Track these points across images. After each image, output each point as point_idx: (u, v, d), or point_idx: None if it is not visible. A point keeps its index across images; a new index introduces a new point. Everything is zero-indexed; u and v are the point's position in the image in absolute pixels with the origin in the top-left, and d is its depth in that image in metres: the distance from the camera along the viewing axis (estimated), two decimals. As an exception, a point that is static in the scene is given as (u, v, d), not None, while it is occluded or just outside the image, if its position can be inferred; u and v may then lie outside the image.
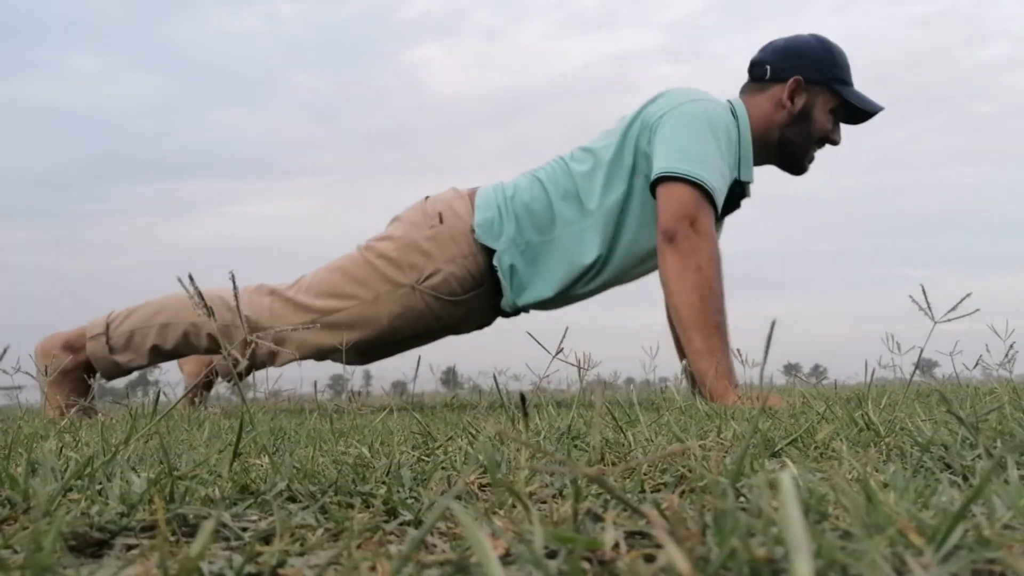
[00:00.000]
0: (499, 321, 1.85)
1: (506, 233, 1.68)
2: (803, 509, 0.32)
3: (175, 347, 1.73)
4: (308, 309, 1.70)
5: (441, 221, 1.70)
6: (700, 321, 1.44)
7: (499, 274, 1.68)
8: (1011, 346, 1.05)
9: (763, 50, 1.71)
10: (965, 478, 0.43)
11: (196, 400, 2.01)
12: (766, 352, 0.42)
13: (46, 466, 0.43)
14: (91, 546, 0.34)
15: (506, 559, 0.29)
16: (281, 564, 0.30)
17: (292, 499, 0.42)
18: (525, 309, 1.75)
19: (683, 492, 0.43)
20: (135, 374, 1.84)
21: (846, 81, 1.66)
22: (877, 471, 0.45)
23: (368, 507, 0.41)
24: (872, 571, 0.23)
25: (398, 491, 0.44)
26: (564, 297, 1.71)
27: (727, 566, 0.24)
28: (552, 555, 0.29)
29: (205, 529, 0.24)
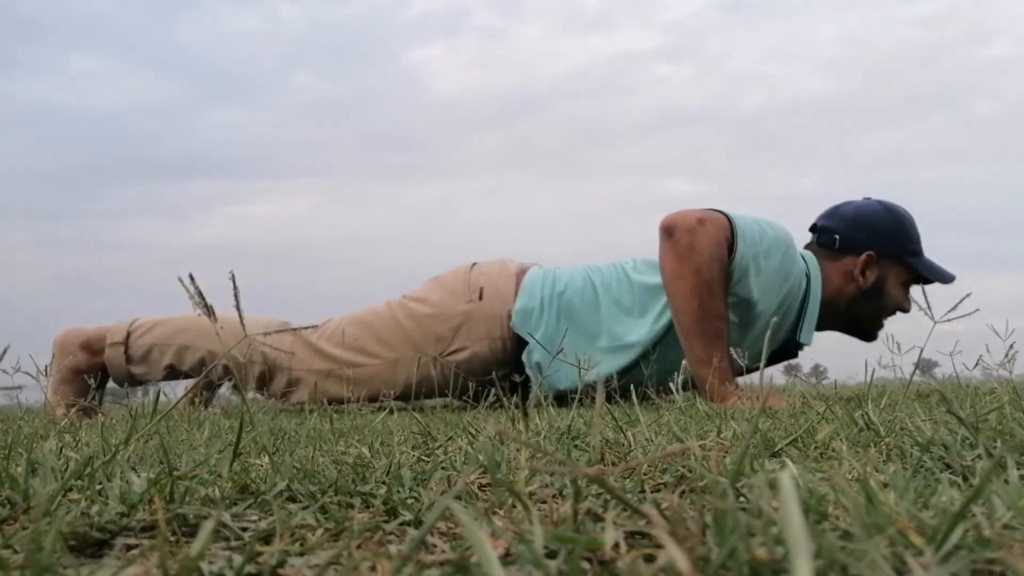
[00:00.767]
0: None
1: (543, 329, 1.61)
2: (803, 509, 0.32)
3: (190, 369, 1.73)
4: (329, 358, 1.69)
5: (481, 297, 1.65)
6: (700, 328, 1.40)
7: (527, 369, 1.63)
8: (1011, 346, 1.05)
9: (830, 216, 1.64)
10: (965, 478, 0.43)
11: (197, 400, 2.01)
12: (766, 352, 0.42)
13: (46, 466, 0.43)
14: (91, 546, 0.34)
15: (506, 559, 0.29)
16: (281, 564, 0.30)
17: (292, 499, 0.42)
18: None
19: (683, 492, 0.43)
20: (143, 384, 1.85)
21: (918, 252, 1.61)
22: (877, 471, 0.45)
23: (368, 507, 0.41)
24: (872, 571, 0.23)
25: (398, 491, 0.44)
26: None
27: (727, 566, 0.24)
28: (552, 555, 0.29)
29: (205, 529, 0.24)
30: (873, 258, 1.58)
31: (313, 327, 1.65)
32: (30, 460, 0.51)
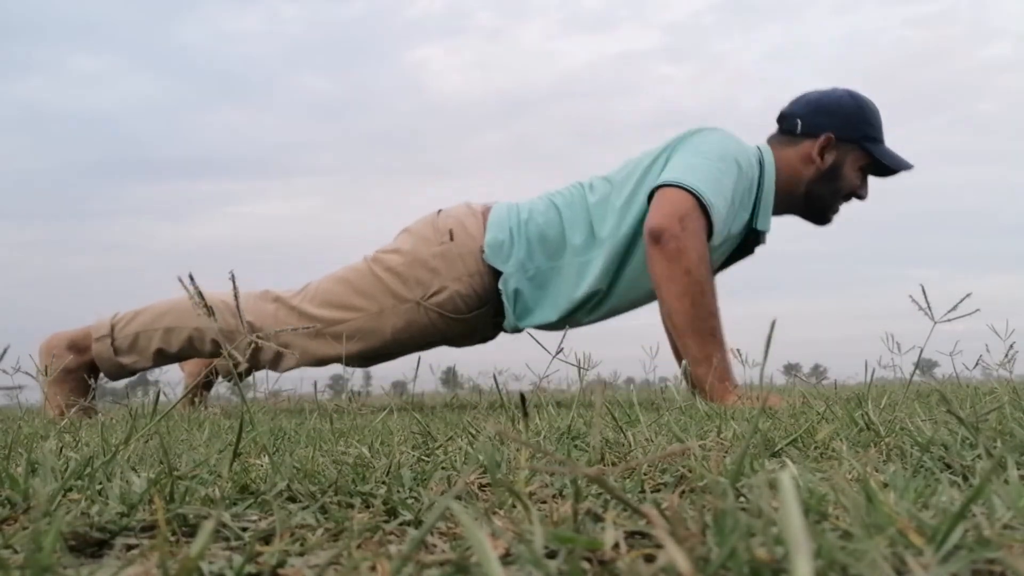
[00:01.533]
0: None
1: (515, 257, 1.67)
2: (803, 509, 0.32)
3: (179, 351, 1.73)
4: (312, 318, 1.70)
5: (451, 238, 1.69)
6: (694, 327, 1.43)
7: (503, 297, 1.68)
8: (1011, 346, 1.05)
9: (795, 103, 1.69)
10: (965, 478, 0.43)
11: (196, 400, 2.01)
12: (766, 352, 0.42)
13: (46, 466, 0.43)
14: (91, 546, 0.34)
15: (506, 559, 0.29)
16: (281, 564, 0.30)
17: (292, 499, 0.42)
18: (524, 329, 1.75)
19: (683, 492, 0.43)
20: (136, 374, 1.85)
21: (878, 139, 1.65)
22: (877, 471, 0.45)
23: (368, 507, 0.41)
24: (872, 571, 0.23)
25: (398, 491, 0.44)
26: (566, 322, 1.70)
27: (727, 566, 0.24)
28: (552, 555, 0.29)
29: (205, 529, 0.24)
30: (832, 140, 1.62)
31: (313, 327, 1.66)
32: (30, 460, 0.51)
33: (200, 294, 0.53)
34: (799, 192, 1.66)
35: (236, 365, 1.68)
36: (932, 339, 1.02)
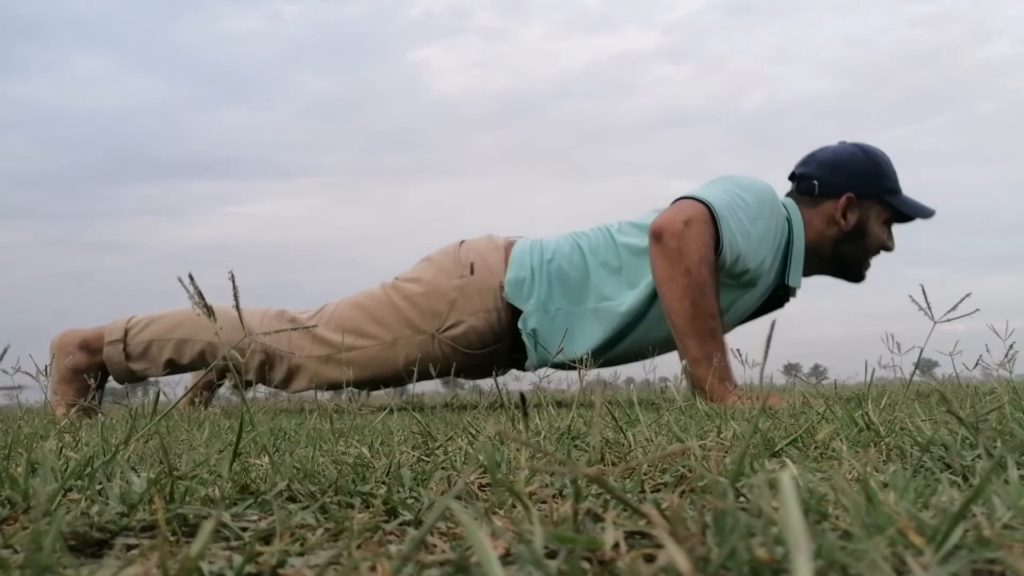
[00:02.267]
0: None
1: (536, 296, 1.64)
2: (803, 509, 0.32)
3: (190, 363, 1.74)
4: (326, 343, 1.69)
5: (472, 272, 1.67)
6: (694, 328, 1.42)
7: (523, 336, 1.66)
8: (1011, 346, 1.05)
9: (807, 163, 1.67)
10: (965, 478, 0.43)
11: (197, 400, 2.01)
12: (766, 352, 0.42)
13: (46, 466, 0.43)
14: (91, 546, 0.34)
15: (506, 559, 0.29)
16: (281, 564, 0.30)
17: (292, 499, 0.42)
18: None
19: (683, 492, 0.43)
20: (145, 380, 1.85)
21: (896, 190, 1.64)
22: (877, 471, 0.45)
23: (368, 507, 0.41)
24: (872, 571, 0.23)
25: (398, 491, 0.44)
26: (582, 362, 1.70)
27: (727, 566, 0.24)
28: (552, 555, 0.29)
29: (205, 529, 0.24)
30: (853, 200, 1.61)
31: (314, 326, 1.65)
32: (30, 460, 0.51)
33: (200, 294, 0.53)
34: (827, 253, 1.64)
35: (237, 371, 1.68)
36: (932, 339, 1.02)
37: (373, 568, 0.28)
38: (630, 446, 0.60)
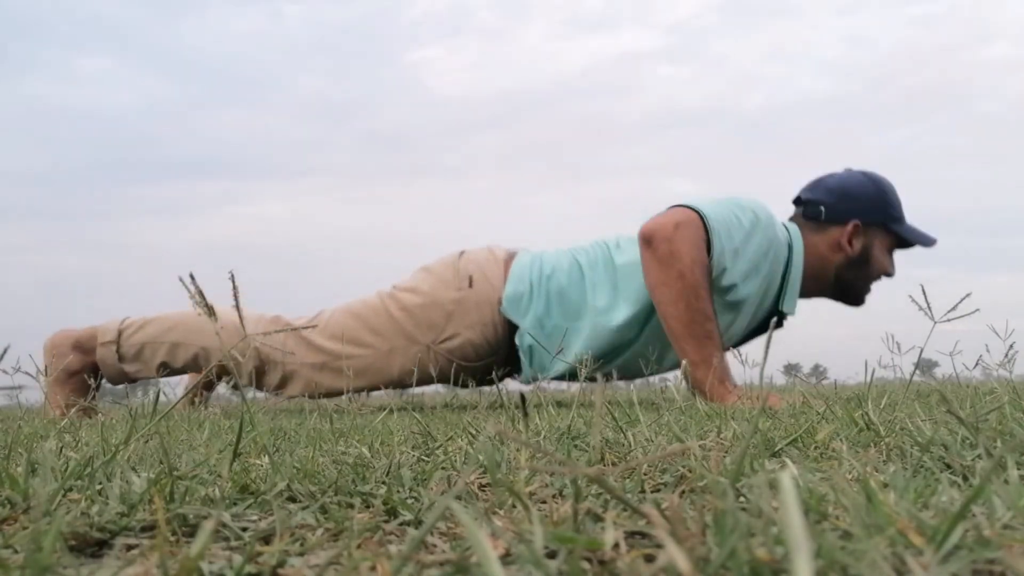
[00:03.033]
0: None
1: (533, 312, 1.65)
2: (803, 509, 0.32)
3: (184, 366, 1.74)
4: (321, 350, 1.70)
5: (471, 285, 1.68)
6: (690, 331, 1.42)
7: (519, 352, 1.67)
8: (1011, 346, 1.05)
9: (814, 188, 1.68)
10: (965, 478, 0.43)
11: (196, 400, 2.01)
12: (766, 352, 0.42)
13: (46, 466, 0.43)
14: (91, 546, 0.34)
15: (506, 559, 0.29)
16: (281, 564, 0.30)
17: (292, 499, 0.42)
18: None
19: (683, 492, 0.43)
20: (138, 381, 1.85)
21: (901, 218, 1.66)
22: (877, 471, 0.45)
23: (368, 507, 0.41)
24: (872, 571, 0.23)
25: (398, 491, 0.44)
26: (577, 374, 1.71)
27: (727, 566, 0.24)
28: (552, 555, 0.29)
29: (205, 529, 0.24)
30: (860, 227, 1.63)
31: (313, 326, 1.66)
32: (30, 460, 0.51)
33: (201, 293, 0.53)
34: (828, 277, 1.65)
35: (236, 370, 1.68)
36: (932, 339, 1.02)
37: (373, 568, 0.28)
38: (630, 446, 0.60)
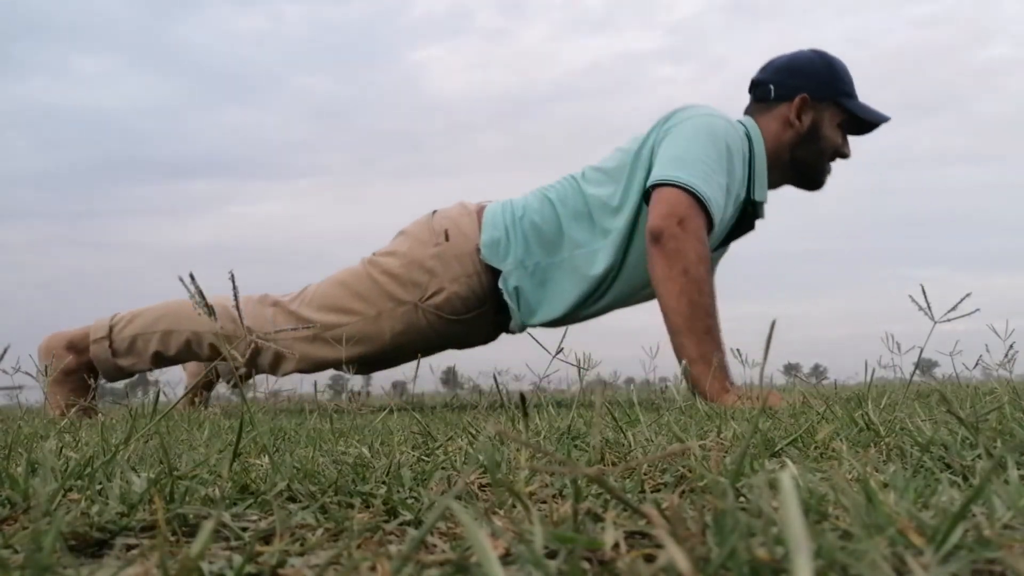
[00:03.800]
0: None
1: (513, 254, 1.66)
2: (803, 509, 0.32)
3: (177, 354, 1.74)
4: (310, 322, 1.70)
5: (447, 239, 1.68)
6: (691, 327, 1.42)
7: (505, 296, 1.67)
8: (1011, 346, 1.05)
9: (764, 69, 1.70)
10: (965, 478, 0.43)
11: (196, 400, 2.01)
12: (766, 352, 0.42)
13: (46, 466, 0.43)
14: (91, 546, 0.34)
15: (506, 559, 0.29)
16: (281, 564, 0.30)
17: (292, 499, 0.42)
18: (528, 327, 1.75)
19: (683, 492, 0.43)
20: (135, 375, 1.85)
21: (851, 94, 1.66)
22: (877, 471, 0.45)
23: (368, 507, 0.41)
24: (872, 571, 0.23)
25: (398, 491, 0.44)
26: (570, 317, 1.71)
27: (727, 566, 0.24)
28: (552, 555, 0.29)
29: (205, 529, 0.24)
30: (807, 100, 1.63)
31: (311, 326, 1.66)
32: (30, 460, 0.51)
33: (201, 293, 0.53)
34: (785, 159, 1.66)
35: (236, 367, 1.68)
36: (932, 339, 1.02)
37: (373, 568, 0.28)
38: (630, 446, 0.60)
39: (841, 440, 0.58)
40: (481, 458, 0.49)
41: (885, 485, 0.38)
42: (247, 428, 0.65)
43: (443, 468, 0.51)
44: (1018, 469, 0.36)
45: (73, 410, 1.19)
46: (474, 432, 0.72)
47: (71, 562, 0.30)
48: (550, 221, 1.67)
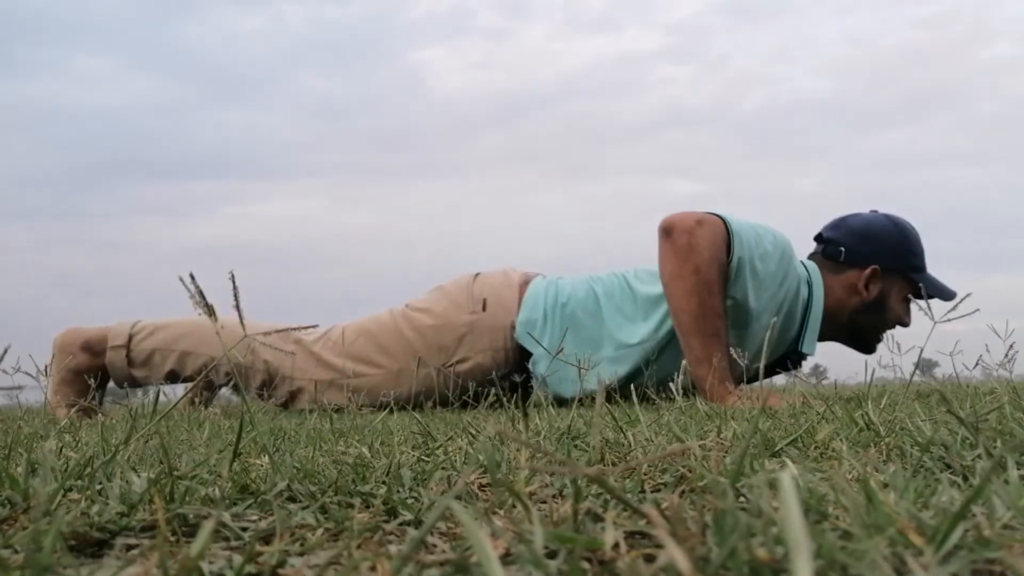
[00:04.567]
0: None
1: (547, 340, 1.62)
2: (803, 509, 0.32)
3: (192, 375, 1.73)
4: (330, 367, 1.68)
5: (484, 308, 1.66)
6: (699, 327, 1.41)
7: (532, 378, 1.64)
8: (1011, 346, 1.05)
9: (836, 228, 1.65)
10: (965, 478, 0.43)
11: (197, 400, 2.01)
12: (766, 352, 0.42)
13: (46, 466, 0.43)
14: (91, 546, 0.34)
15: (506, 559, 0.29)
16: (281, 564, 0.30)
17: (292, 499, 0.42)
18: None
19: (683, 492, 0.43)
20: (144, 386, 1.85)
21: (921, 268, 1.62)
22: (877, 471, 0.45)
23: (368, 507, 0.41)
24: (872, 571, 0.23)
25: (398, 491, 0.44)
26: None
27: (727, 566, 0.24)
28: (552, 555, 0.29)
29: (205, 529, 0.24)
30: (878, 272, 1.59)
31: (313, 326, 1.66)
32: (30, 460, 0.51)
33: (201, 293, 0.53)
34: (842, 320, 1.62)
35: (236, 372, 1.67)
36: (932, 339, 1.02)
37: (373, 568, 0.28)
38: (630, 446, 0.60)
39: (841, 440, 0.58)
40: (481, 458, 0.49)
41: (885, 485, 0.38)
42: (247, 428, 0.65)
43: (443, 468, 0.51)
44: (1018, 469, 0.36)
45: (74, 410, 1.19)
46: (474, 432, 0.72)
47: (71, 562, 0.30)
48: (593, 316, 1.63)
